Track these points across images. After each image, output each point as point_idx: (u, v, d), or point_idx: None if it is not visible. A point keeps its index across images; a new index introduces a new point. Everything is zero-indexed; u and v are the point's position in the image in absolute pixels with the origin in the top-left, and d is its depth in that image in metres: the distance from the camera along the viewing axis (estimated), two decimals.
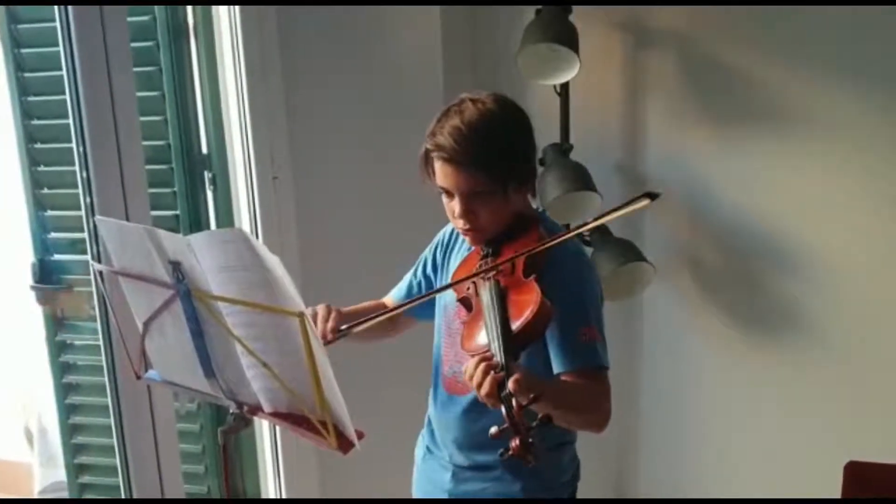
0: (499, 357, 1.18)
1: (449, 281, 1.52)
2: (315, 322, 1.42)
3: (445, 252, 1.61)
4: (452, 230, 1.59)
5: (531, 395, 1.12)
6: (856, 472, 1.76)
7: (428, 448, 1.62)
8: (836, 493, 1.79)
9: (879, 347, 2.18)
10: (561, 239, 1.36)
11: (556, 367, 1.38)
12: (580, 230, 1.46)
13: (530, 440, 1.09)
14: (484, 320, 1.29)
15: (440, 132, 1.38)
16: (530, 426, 1.10)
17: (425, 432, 1.63)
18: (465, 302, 1.41)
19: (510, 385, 1.13)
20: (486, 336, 1.26)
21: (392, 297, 1.69)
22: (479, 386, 1.16)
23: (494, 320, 1.25)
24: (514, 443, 1.09)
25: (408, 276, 1.68)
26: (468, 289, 1.40)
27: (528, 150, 1.44)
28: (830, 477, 1.79)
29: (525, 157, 1.44)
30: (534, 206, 1.56)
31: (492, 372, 1.16)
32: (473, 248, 1.49)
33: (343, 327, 1.40)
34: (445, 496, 1.55)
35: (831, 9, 2.01)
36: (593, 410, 1.36)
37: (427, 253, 1.65)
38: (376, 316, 1.41)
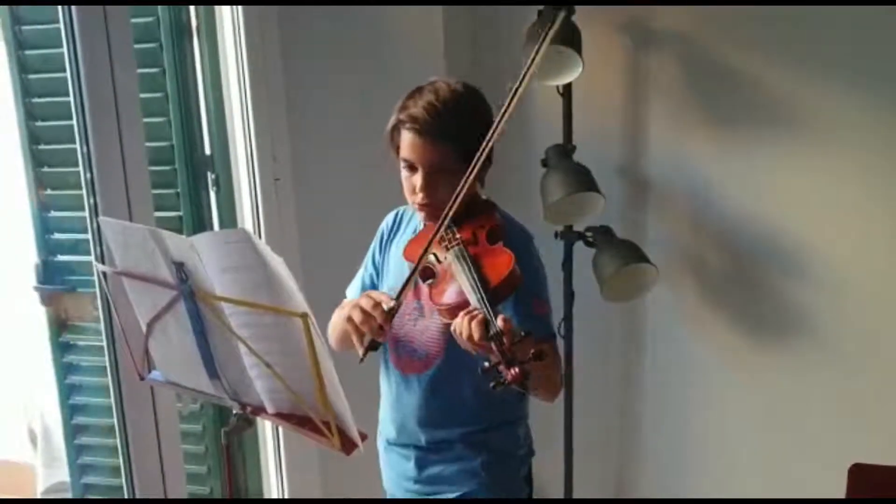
0: (482, 306, 1.27)
1: (401, 259, 1.53)
2: (370, 314, 1.41)
3: (388, 240, 1.65)
4: (395, 218, 1.67)
5: (522, 333, 1.22)
6: (861, 475, 1.75)
7: (387, 441, 1.64)
8: (840, 497, 1.78)
9: (883, 349, 2.17)
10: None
11: None
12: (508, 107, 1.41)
13: (526, 368, 1.19)
14: (458, 280, 1.35)
15: (413, 105, 1.46)
16: (524, 358, 1.19)
17: (381, 427, 1.66)
18: (426, 273, 1.45)
19: (500, 323, 1.22)
20: (454, 294, 1.35)
21: (349, 296, 1.70)
22: (470, 334, 1.25)
23: (471, 278, 1.32)
24: (514, 371, 1.18)
25: (359, 273, 1.70)
26: (428, 261, 1.44)
27: (489, 136, 1.46)
28: (834, 480, 1.79)
29: (488, 142, 1.46)
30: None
31: (477, 318, 1.25)
32: (425, 225, 1.53)
33: (388, 309, 1.40)
34: (411, 484, 1.60)
35: (833, 9, 2.00)
36: (554, 373, 1.48)
37: (374, 244, 1.68)
38: (404, 289, 1.42)
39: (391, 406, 1.62)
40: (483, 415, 1.55)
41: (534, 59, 1.44)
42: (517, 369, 1.19)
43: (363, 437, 1.19)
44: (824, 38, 2.07)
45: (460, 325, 1.29)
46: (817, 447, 2.26)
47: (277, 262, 1.12)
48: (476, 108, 1.50)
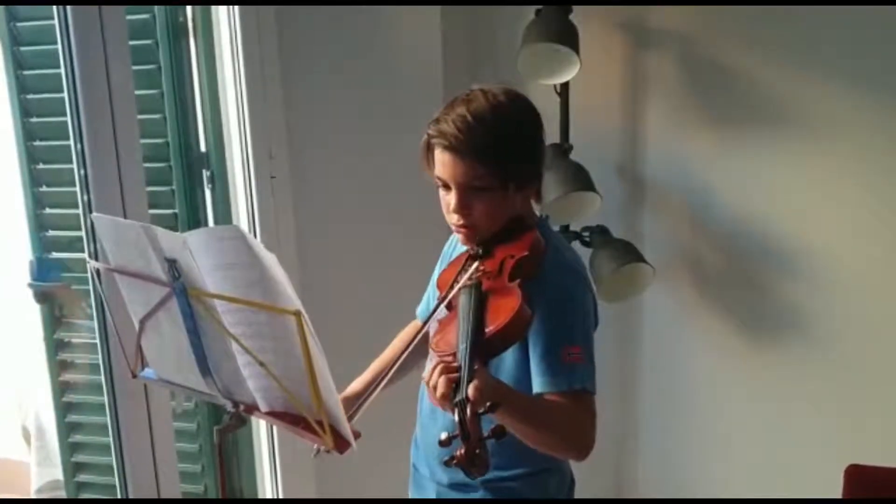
0: (463, 360, 1.13)
1: (435, 282, 1.48)
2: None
3: (445, 262, 1.56)
4: (452, 238, 1.54)
5: (488, 404, 1.06)
6: (857, 476, 1.75)
7: (414, 465, 1.58)
8: (837, 497, 1.78)
9: (880, 349, 2.17)
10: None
11: (535, 387, 1.29)
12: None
13: (477, 451, 1.03)
14: (457, 321, 1.23)
15: (444, 120, 1.32)
16: (481, 436, 1.04)
17: (412, 447, 1.59)
18: (448, 304, 1.34)
19: (469, 391, 1.07)
20: (455, 337, 1.20)
21: (418, 314, 1.64)
22: (435, 388, 1.12)
23: (467, 322, 1.20)
24: (459, 451, 1.03)
25: (427, 291, 1.62)
26: (452, 290, 1.33)
27: (533, 150, 1.37)
28: (830, 480, 1.79)
29: (529, 157, 1.37)
30: (538, 212, 1.49)
31: (450, 374, 1.11)
32: (465, 250, 1.43)
33: (349, 414, 1.30)
34: None
35: (832, 9, 2.00)
36: (568, 434, 1.27)
37: (438, 263, 1.60)
38: (373, 391, 1.33)
39: (420, 434, 1.53)
40: (508, 463, 1.38)
41: None
42: (463, 450, 1.03)
43: (356, 435, 1.18)
44: (824, 38, 2.07)
45: (429, 374, 1.15)
46: (814, 447, 2.26)
47: (271, 260, 1.11)
48: (516, 121, 1.34)
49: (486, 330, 1.19)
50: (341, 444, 1.18)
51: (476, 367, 1.13)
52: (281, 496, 2.30)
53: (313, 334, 1.12)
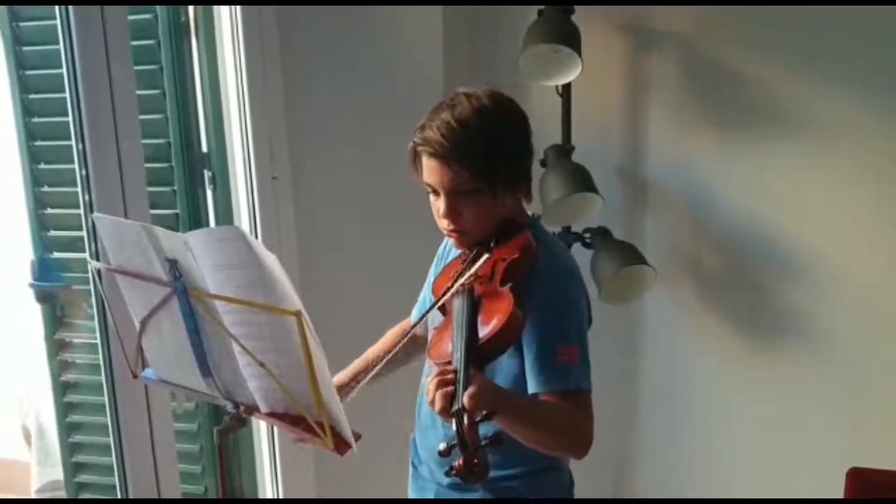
0: (459, 369, 1.12)
1: (429, 286, 1.48)
2: None
3: (439, 264, 1.56)
4: (446, 240, 1.54)
5: (484, 412, 1.07)
6: (859, 479, 1.75)
7: (413, 463, 1.58)
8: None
9: (882, 350, 2.17)
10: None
11: (530, 388, 1.30)
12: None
13: (475, 460, 1.03)
14: (451, 329, 1.23)
15: (429, 126, 1.32)
16: (479, 445, 1.04)
17: (411, 447, 1.59)
18: (443, 309, 1.34)
19: (465, 400, 1.07)
20: (449, 344, 1.20)
21: (412, 315, 1.64)
22: (432, 402, 1.12)
23: (460, 329, 1.20)
24: (458, 461, 1.03)
25: (422, 292, 1.62)
26: (445, 294, 1.33)
27: (520, 151, 1.37)
28: (831, 482, 1.79)
29: (516, 159, 1.36)
30: (529, 212, 1.49)
31: (446, 387, 1.10)
32: (459, 253, 1.43)
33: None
34: None
35: (833, 10, 2.00)
36: (565, 434, 1.28)
37: (431, 266, 1.60)
38: (364, 375, 1.37)
39: (420, 437, 1.53)
40: (507, 462, 1.38)
41: None
42: (461, 460, 1.03)
43: (357, 437, 1.18)
44: (824, 38, 2.07)
45: (426, 387, 1.15)
46: (815, 448, 2.26)
47: (271, 260, 1.11)
48: (501, 124, 1.33)
49: (480, 336, 1.19)
50: (341, 445, 1.18)
51: (472, 373, 1.12)
52: (281, 496, 2.30)
53: (314, 335, 1.12)
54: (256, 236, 2.13)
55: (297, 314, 1.09)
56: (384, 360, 1.40)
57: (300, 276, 2.11)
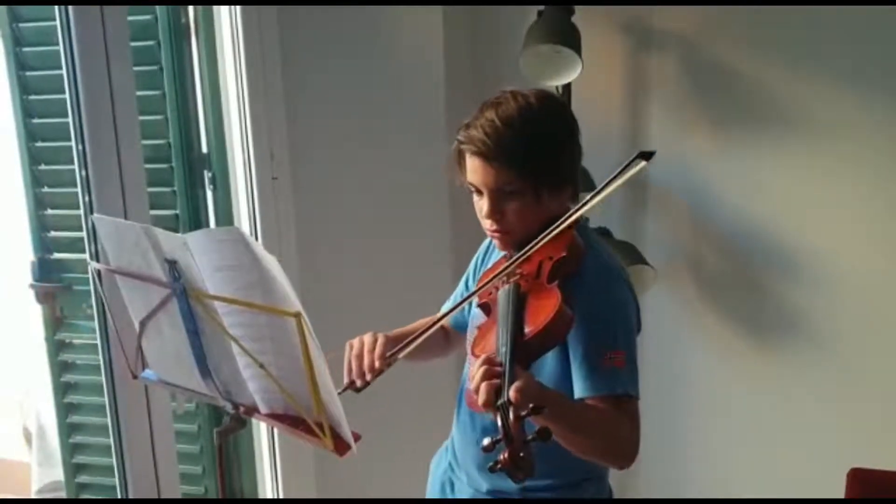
0: (505, 362, 1.10)
1: (463, 286, 1.47)
2: (362, 353, 1.36)
3: (482, 262, 1.54)
4: (488, 242, 1.52)
5: (531, 406, 1.03)
6: (860, 479, 1.75)
7: (450, 464, 1.54)
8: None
9: (881, 351, 2.17)
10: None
11: (577, 392, 1.27)
12: (583, 207, 1.29)
13: (521, 454, 1.00)
14: (497, 324, 1.21)
15: (474, 125, 1.30)
16: (526, 439, 1.02)
17: (449, 451, 1.55)
18: (485, 308, 1.34)
19: (511, 393, 1.04)
20: (495, 341, 1.18)
21: (442, 310, 1.61)
22: (478, 391, 1.09)
23: (506, 324, 1.17)
24: (504, 455, 1.00)
25: (457, 289, 1.60)
26: (490, 294, 1.31)
27: (566, 153, 1.35)
28: (832, 482, 1.78)
29: (561, 160, 1.34)
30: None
31: (492, 378, 1.08)
32: (501, 255, 1.42)
33: (389, 354, 1.34)
34: None
35: (833, 9, 2.00)
36: (610, 440, 1.25)
37: (469, 268, 1.58)
38: (419, 335, 1.35)
39: (458, 440, 1.50)
40: (547, 470, 1.29)
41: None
42: (507, 453, 1.00)
43: (356, 437, 1.18)
44: (824, 38, 2.07)
45: (472, 373, 1.12)
46: (816, 448, 2.26)
47: (271, 262, 1.11)
48: (546, 124, 1.32)
49: (526, 331, 1.17)
50: (341, 446, 1.18)
51: (517, 370, 1.10)
52: (281, 497, 2.29)
53: (313, 336, 1.12)
54: (256, 237, 2.12)
55: (297, 315, 1.09)
56: (430, 330, 1.36)
57: (300, 276, 2.11)
